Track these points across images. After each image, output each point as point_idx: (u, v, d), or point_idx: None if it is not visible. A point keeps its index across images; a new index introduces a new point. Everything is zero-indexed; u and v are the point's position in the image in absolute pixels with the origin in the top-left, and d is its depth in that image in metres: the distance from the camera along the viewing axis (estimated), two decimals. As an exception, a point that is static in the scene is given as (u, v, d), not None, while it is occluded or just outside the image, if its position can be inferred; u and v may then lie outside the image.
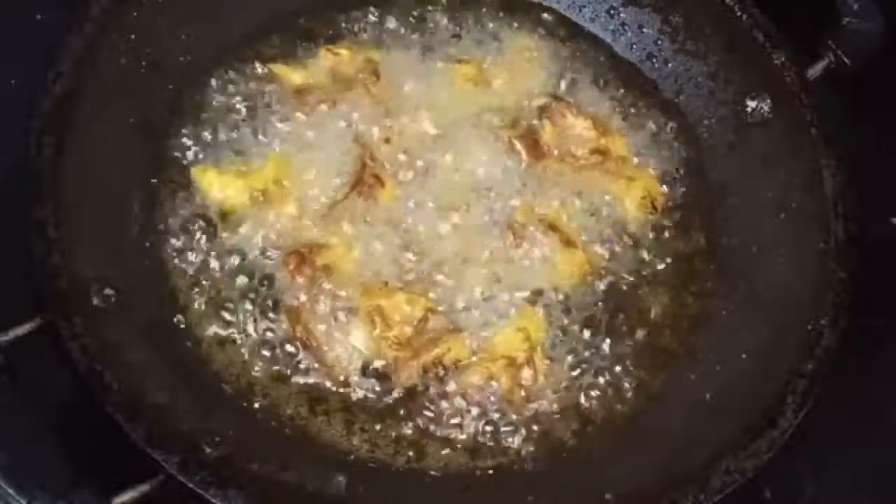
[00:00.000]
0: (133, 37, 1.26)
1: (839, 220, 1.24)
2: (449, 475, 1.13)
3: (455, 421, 1.16)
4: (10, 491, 0.95)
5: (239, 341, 1.17)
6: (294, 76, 1.35)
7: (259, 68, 1.35)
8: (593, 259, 1.28)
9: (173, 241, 1.22)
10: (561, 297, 1.25)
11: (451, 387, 1.17)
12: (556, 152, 1.35)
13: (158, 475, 0.98)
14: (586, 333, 1.24)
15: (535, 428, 1.17)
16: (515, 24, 1.47)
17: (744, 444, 1.07)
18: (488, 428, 1.16)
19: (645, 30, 1.47)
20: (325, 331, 1.18)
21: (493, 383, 1.18)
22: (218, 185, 1.25)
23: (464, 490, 1.12)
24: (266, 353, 1.17)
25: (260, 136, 1.30)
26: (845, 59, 1.35)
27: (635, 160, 1.38)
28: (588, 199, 1.33)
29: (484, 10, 1.47)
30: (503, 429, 1.17)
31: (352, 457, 1.12)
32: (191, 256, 1.21)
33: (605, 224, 1.32)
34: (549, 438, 1.17)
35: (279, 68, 1.36)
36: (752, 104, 1.36)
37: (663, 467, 1.09)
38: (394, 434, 1.14)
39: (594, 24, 1.49)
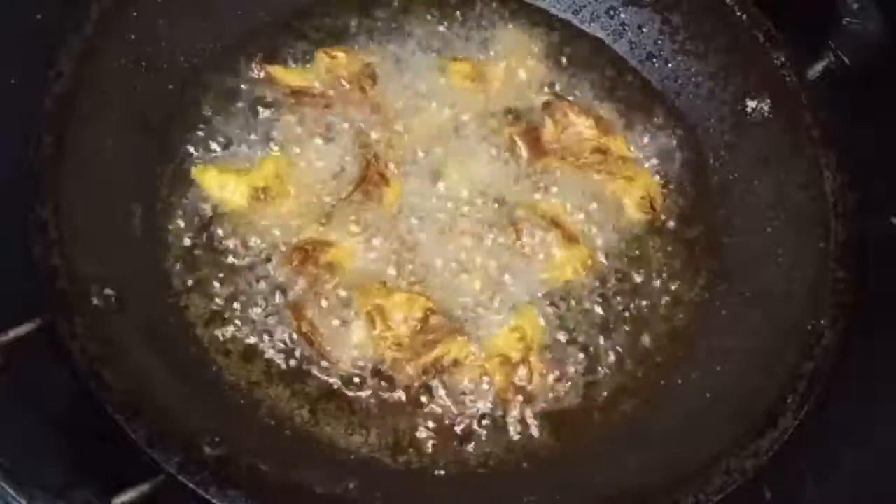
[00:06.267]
0: (133, 37, 1.26)
1: (839, 220, 1.24)
2: (449, 475, 1.13)
3: (455, 421, 1.16)
4: (10, 491, 0.95)
5: (239, 340, 1.17)
6: (291, 78, 1.35)
7: (256, 70, 1.35)
8: (593, 258, 1.29)
9: (174, 240, 1.22)
10: (561, 296, 1.25)
11: (451, 387, 1.17)
12: (556, 150, 1.35)
13: (158, 475, 0.98)
14: (586, 333, 1.24)
15: (534, 427, 1.17)
16: (514, 25, 1.47)
17: (744, 444, 1.07)
18: (488, 428, 1.16)
19: (645, 30, 1.47)
20: (328, 328, 1.18)
21: (487, 382, 1.18)
22: (218, 184, 1.25)
23: (464, 490, 1.12)
24: (267, 352, 1.17)
25: (260, 136, 1.31)
26: (845, 59, 1.35)
27: (635, 160, 1.38)
28: (587, 199, 1.33)
29: (483, 10, 1.47)
30: (503, 429, 1.17)
31: (352, 456, 1.12)
32: (191, 256, 1.21)
33: (604, 224, 1.32)
34: (549, 438, 1.17)
35: (276, 70, 1.36)
36: (752, 104, 1.36)
37: (663, 467, 1.09)
38: (394, 434, 1.14)
39: (594, 24, 1.49)
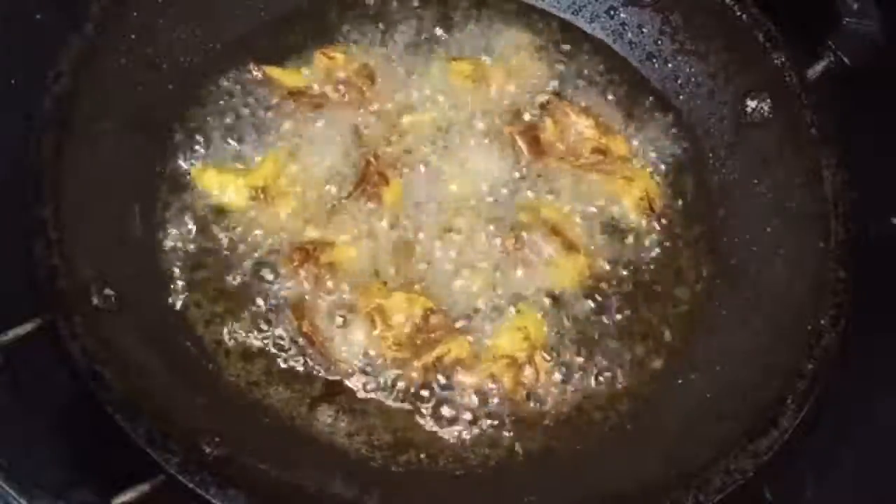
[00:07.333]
0: (133, 37, 1.26)
1: (839, 220, 1.23)
2: (449, 475, 1.13)
3: (455, 421, 1.16)
4: (10, 491, 0.95)
5: (239, 340, 1.17)
6: (289, 79, 1.35)
7: (254, 70, 1.35)
8: (592, 260, 1.28)
9: (173, 240, 1.22)
10: (561, 297, 1.25)
11: (451, 387, 1.17)
12: (556, 150, 1.35)
13: (158, 475, 0.98)
14: (586, 334, 1.24)
15: (534, 428, 1.17)
16: (514, 25, 1.47)
17: (744, 444, 1.07)
18: (488, 428, 1.16)
19: (645, 30, 1.47)
20: (329, 328, 1.18)
21: (493, 383, 1.18)
22: (218, 185, 1.25)
23: (464, 490, 1.12)
24: (267, 352, 1.17)
25: (259, 136, 1.31)
26: (845, 59, 1.35)
27: (635, 160, 1.38)
28: (587, 199, 1.33)
29: (482, 10, 1.47)
30: (503, 429, 1.16)
31: (352, 457, 1.12)
32: (191, 256, 1.21)
33: (603, 224, 1.32)
34: (549, 438, 1.17)
35: (274, 71, 1.35)
36: (752, 104, 1.36)
37: (663, 467, 1.09)
38: (394, 434, 1.14)
39: (594, 24, 1.49)
